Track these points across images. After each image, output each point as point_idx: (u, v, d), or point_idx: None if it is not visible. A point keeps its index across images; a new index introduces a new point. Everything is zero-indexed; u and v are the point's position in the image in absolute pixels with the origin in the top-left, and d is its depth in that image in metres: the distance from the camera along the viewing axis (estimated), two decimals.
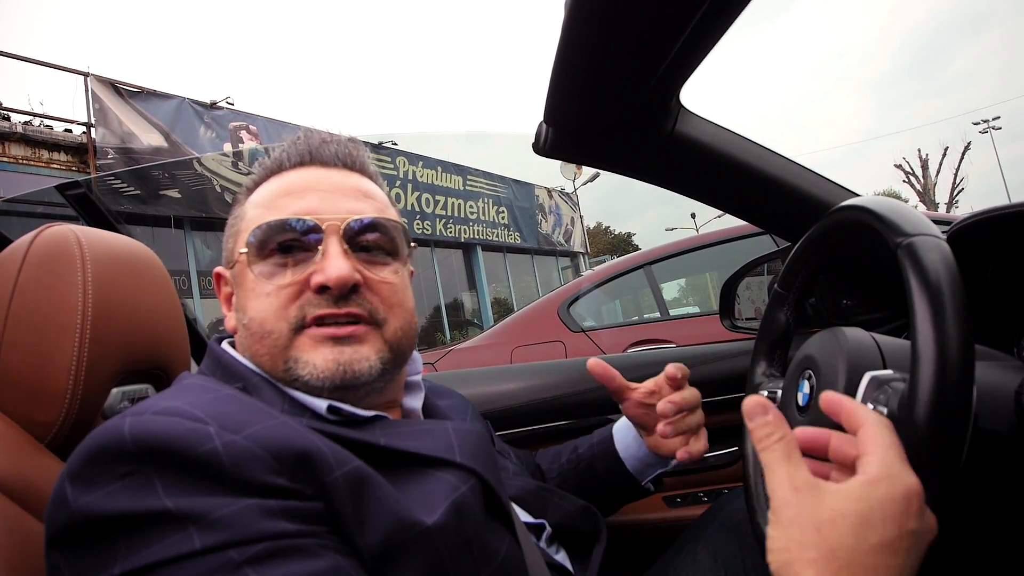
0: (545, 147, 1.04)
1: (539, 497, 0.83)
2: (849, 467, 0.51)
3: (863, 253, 1.18)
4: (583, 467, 0.99)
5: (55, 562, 0.48)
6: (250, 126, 9.69)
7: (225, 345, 0.71)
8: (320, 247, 0.65)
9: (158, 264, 0.88)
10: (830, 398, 0.54)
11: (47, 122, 8.13)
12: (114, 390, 0.77)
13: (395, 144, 11.56)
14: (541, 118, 1.00)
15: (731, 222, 2.80)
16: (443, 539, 0.56)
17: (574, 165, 13.26)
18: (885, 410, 0.60)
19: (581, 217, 18.12)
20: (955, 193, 27.98)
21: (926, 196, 28.16)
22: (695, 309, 5.75)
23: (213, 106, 9.30)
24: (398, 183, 11.53)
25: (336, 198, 0.69)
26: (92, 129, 8.02)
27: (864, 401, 0.61)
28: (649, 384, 0.90)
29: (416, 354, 0.77)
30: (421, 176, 12.21)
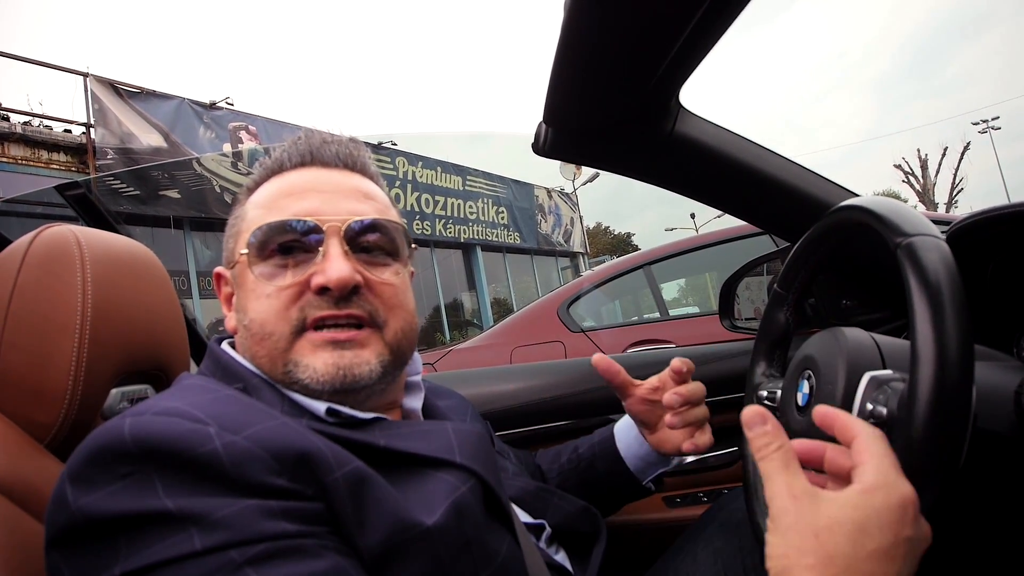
0: (544, 147, 1.04)
1: (539, 497, 0.83)
2: (844, 478, 0.51)
3: (863, 253, 1.18)
4: (584, 467, 0.99)
5: (55, 563, 0.48)
6: (249, 126, 9.69)
7: (225, 346, 0.71)
8: (321, 248, 0.65)
9: (157, 264, 0.88)
10: (823, 411, 0.55)
11: (46, 122, 8.13)
12: (113, 391, 0.77)
13: (395, 144, 11.56)
14: (540, 118, 1.00)
15: (731, 222, 2.80)
16: (443, 540, 0.56)
17: (573, 165, 13.26)
18: (885, 410, 0.60)
19: (581, 217, 18.12)
20: (954, 193, 28.00)
21: (925, 196, 28.17)
22: (695, 309, 5.75)
23: (212, 106, 9.30)
24: (397, 183, 11.53)
25: (337, 199, 0.69)
26: (91, 129, 8.02)
27: (864, 401, 0.61)
28: (653, 380, 0.90)
29: (416, 354, 0.77)
30: (421, 176, 12.21)
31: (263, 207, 0.69)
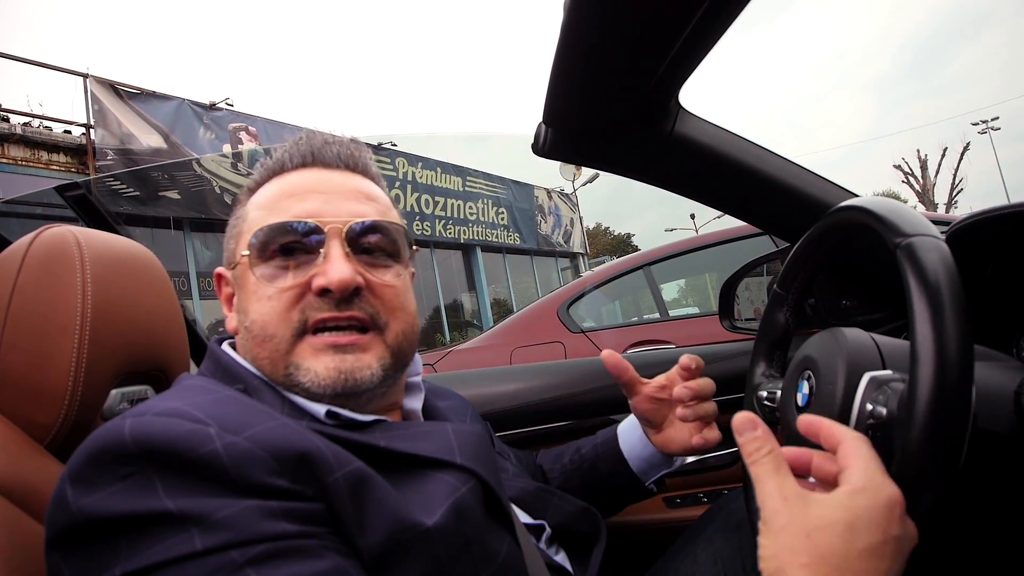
0: (544, 148, 1.04)
1: (539, 498, 0.83)
2: (831, 483, 0.52)
3: (862, 254, 1.18)
4: (586, 467, 0.99)
5: (55, 563, 0.48)
6: (249, 127, 9.69)
7: (226, 346, 0.71)
8: (322, 249, 0.65)
9: (157, 265, 0.88)
10: (807, 420, 0.57)
11: (46, 123, 8.13)
12: (113, 391, 0.77)
13: (395, 145, 11.56)
14: (540, 119, 1.01)
15: (730, 223, 2.81)
16: (443, 540, 0.56)
17: (573, 166, 13.26)
18: (884, 410, 0.60)
19: (580, 218, 18.12)
20: (954, 194, 28.00)
21: (925, 196, 28.18)
22: (695, 310, 5.75)
23: (212, 107, 9.30)
24: (397, 184, 11.53)
25: (338, 200, 0.68)
26: (91, 130, 8.02)
27: (863, 401, 0.61)
28: (660, 379, 0.90)
29: (416, 355, 0.77)
30: (421, 177, 12.21)
31: (264, 208, 0.69)
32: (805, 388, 0.72)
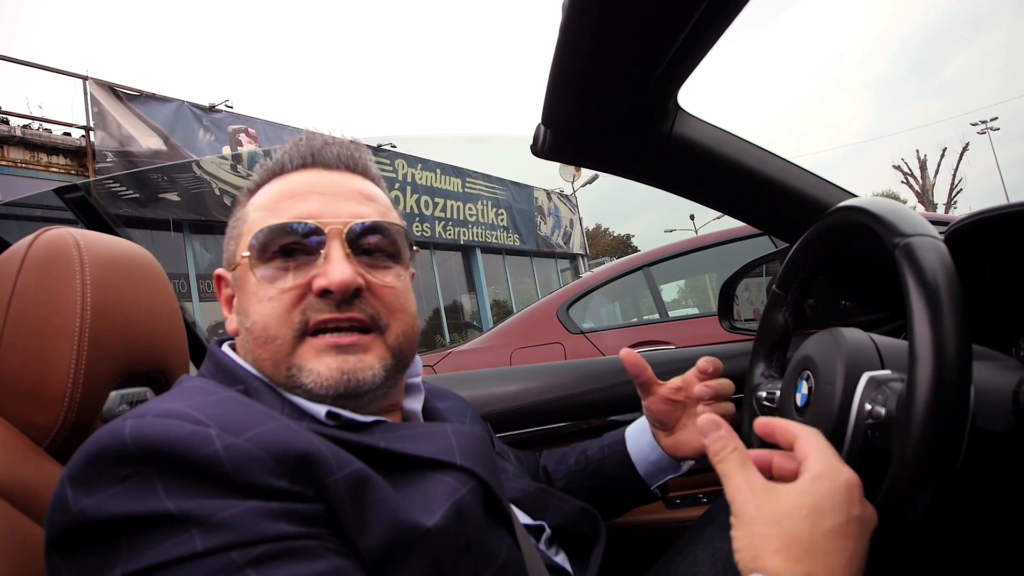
0: (543, 149, 1.04)
1: (538, 499, 0.83)
2: (792, 478, 0.55)
3: (861, 254, 1.18)
4: (591, 469, 0.99)
5: (55, 565, 0.48)
6: (249, 129, 9.70)
7: (226, 348, 0.71)
8: (322, 251, 0.65)
9: (157, 267, 0.88)
10: (762, 423, 0.61)
11: (46, 125, 8.13)
12: (113, 393, 0.77)
13: (394, 147, 11.56)
14: (539, 120, 1.01)
15: (730, 223, 2.81)
16: (443, 541, 0.56)
17: (572, 167, 13.26)
18: (883, 410, 0.60)
19: (580, 219, 18.13)
20: (953, 194, 28.01)
21: (924, 197, 28.18)
22: (694, 310, 5.75)
23: (212, 109, 9.31)
24: (397, 186, 11.53)
25: (338, 201, 0.68)
26: (91, 132, 8.02)
27: (862, 401, 0.62)
28: (676, 381, 0.90)
29: (416, 356, 0.77)
30: (420, 179, 12.22)
31: (264, 209, 0.69)
32: (804, 388, 0.72)
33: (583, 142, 1.03)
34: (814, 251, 0.83)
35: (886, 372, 0.64)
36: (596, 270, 4.13)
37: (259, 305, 0.65)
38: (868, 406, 0.61)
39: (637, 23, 0.73)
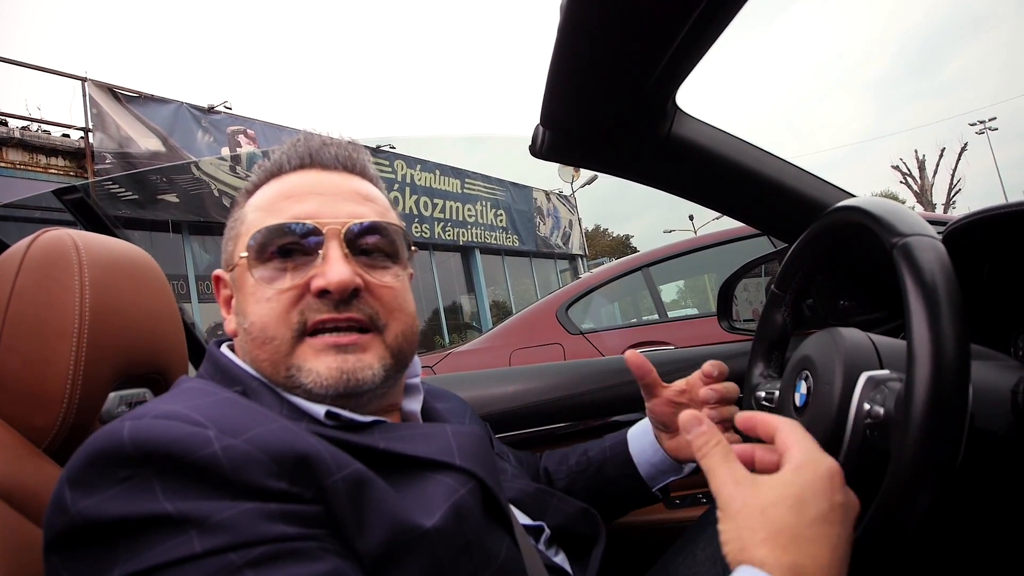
0: (542, 150, 1.04)
1: (538, 499, 0.83)
2: (775, 470, 0.55)
3: (860, 254, 1.18)
4: (593, 470, 0.99)
5: (54, 566, 0.48)
6: (248, 130, 9.70)
7: (224, 349, 0.71)
8: (320, 251, 0.65)
9: (155, 268, 0.88)
10: (742, 417, 0.62)
11: (45, 127, 8.13)
12: (112, 394, 0.77)
13: (393, 148, 11.57)
14: (538, 121, 1.01)
15: (729, 224, 2.81)
16: (442, 542, 0.56)
17: (571, 167, 13.27)
18: (882, 410, 0.60)
19: (579, 219, 18.14)
20: (952, 194, 28.02)
21: (923, 197, 28.20)
22: (693, 311, 5.75)
23: (211, 110, 9.31)
24: (396, 186, 11.53)
25: (336, 201, 0.68)
26: (90, 134, 8.02)
27: (861, 401, 0.62)
28: (681, 383, 0.90)
29: (415, 357, 0.77)
30: (419, 179, 12.22)
31: (262, 210, 0.69)
32: (803, 388, 0.72)
33: (581, 143, 1.03)
34: (812, 251, 0.83)
35: (885, 372, 0.64)
36: (595, 271, 4.13)
37: (257, 306, 0.65)
38: (867, 406, 0.61)
39: (635, 23, 0.73)
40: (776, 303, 0.89)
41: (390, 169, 11.52)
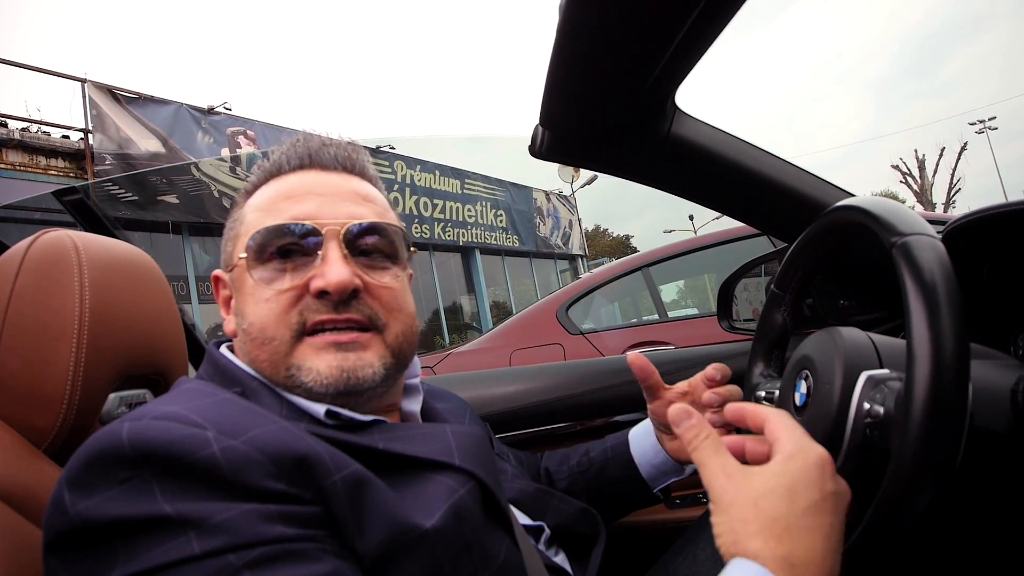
0: (541, 150, 1.04)
1: (538, 499, 0.83)
2: (765, 462, 0.55)
3: (860, 253, 1.18)
4: (594, 471, 0.99)
5: (53, 568, 0.48)
6: (248, 131, 9.70)
7: (224, 349, 0.71)
8: (320, 252, 0.65)
9: (155, 269, 0.88)
10: (731, 408, 0.62)
11: (44, 128, 8.13)
12: (112, 395, 0.77)
13: (393, 148, 11.58)
14: (537, 121, 1.01)
15: (729, 224, 2.81)
16: (442, 542, 0.56)
17: (571, 168, 13.27)
18: (882, 409, 0.60)
19: (579, 220, 18.14)
20: (952, 193, 28.02)
21: (923, 196, 28.20)
22: (694, 311, 5.75)
23: (211, 111, 9.31)
24: (396, 187, 11.53)
25: (336, 202, 0.68)
26: (89, 135, 8.02)
27: (861, 400, 0.62)
28: (683, 385, 0.90)
29: (415, 357, 0.77)
30: (419, 180, 12.22)
31: (261, 210, 0.69)
32: (803, 388, 0.72)
33: (581, 143, 1.03)
34: (812, 251, 0.83)
35: (884, 371, 0.64)
36: (595, 271, 4.13)
37: (256, 306, 0.65)
38: (867, 405, 0.61)
39: (634, 23, 0.73)
40: (776, 303, 0.89)
41: (390, 170, 11.52)
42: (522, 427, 1.30)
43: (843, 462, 0.62)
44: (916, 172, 28.68)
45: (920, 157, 28.79)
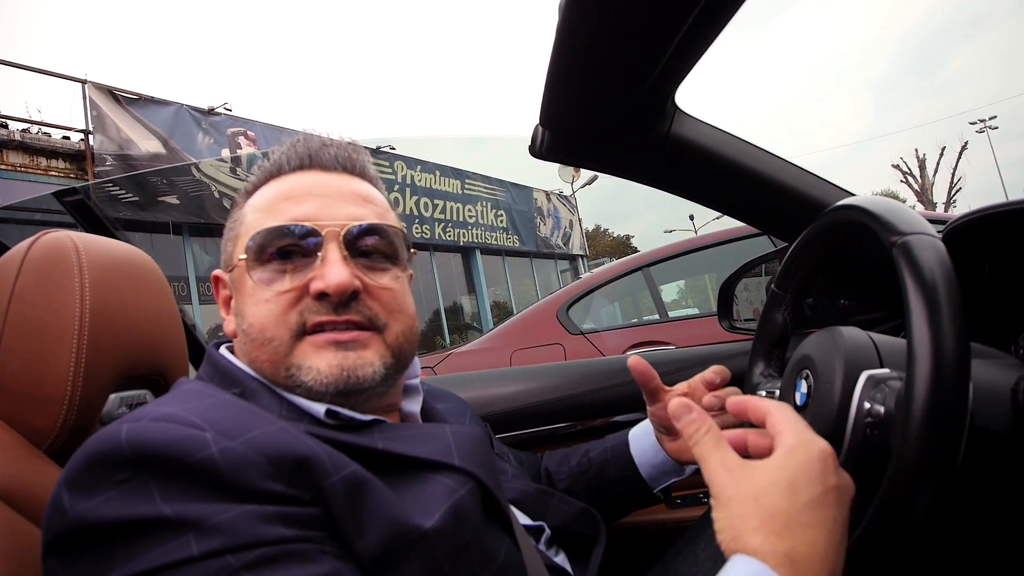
0: (541, 150, 1.04)
1: (538, 499, 0.83)
2: (767, 456, 0.55)
3: (860, 253, 1.18)
4: (594, 471, 0.99)
5: (52, 569, 0.48)
6: (248, 131, 9.70)
7: (223, 350, 0.71)
8: (319, 253, 0.65)
9: (156, 270, 0.88)
10: (733, 402, 0.62)
11: (45, 129, 8.14)
12: (112, 396, 0.77)
13: (393, 149, 11.58)
14: (537, 121, 1.01)
15: (730, 223, 2.81)
16: (441, 543, 0.56)
17: (572, 168, 13.26)
18: (882, 408, 0.60)
19: (580, 220, 18.13)
20: (953, 193, 28.00)
21: (924, 196, 28.18)
22: (694, 311, 5.75)
23: (211, 112, 9.31)
24: (396, 187, 11.53)
25: (336, 203, 0.68)
26: (90, 136, 8.03)
27: (861, 400, 0.61)
28: (682, 386, 0.90)
29: (415, 358, 0.77)
30: (419, 180, 12.22)
31: (261, 211, 0.69)
32: (803, 387, 0.72)
33: (581, 143, 1.03)
34: (812, 250, 0.83)
35: (885, 371, 0.64)
36: (596, 271, 4.13)
37: (256, 307, 0.65)
38: (867, 404, 0.61)
39: (633, 23, 0.73)
40: (776, 302, 0.89)
41: (390, 170, 11.52)
42: (522, 427, 1.30)
43: (843, 461, 0.62)
44: (916, 171, 28.66)
45: (920, 156, 28.79)
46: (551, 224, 16.48)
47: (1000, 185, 28.29)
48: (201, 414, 0.53)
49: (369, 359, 0.64)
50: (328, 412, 0.63)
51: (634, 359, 0.89)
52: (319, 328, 0.64)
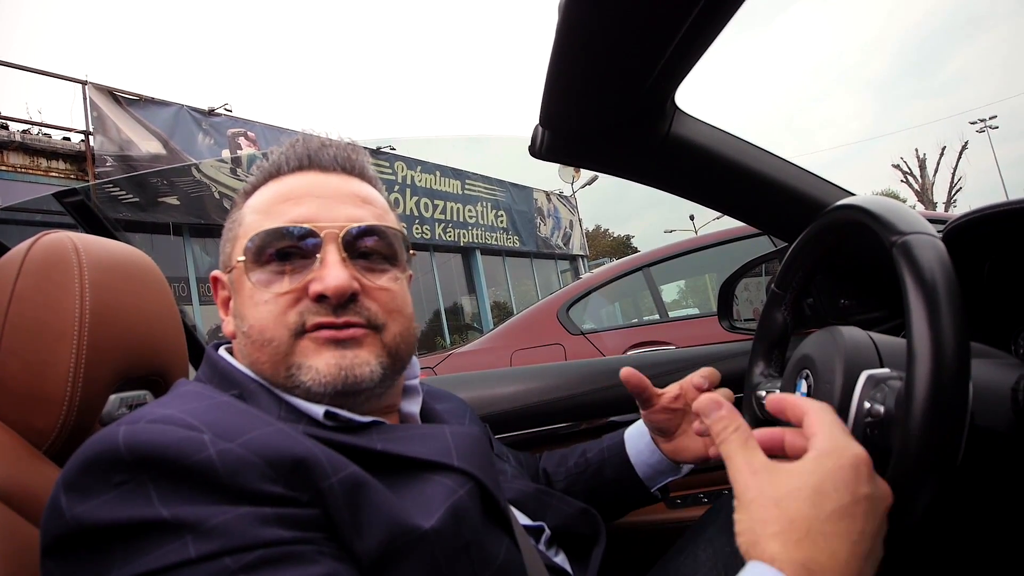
0: (541, 150, 1.04)
1: (538, 500, 0.83)
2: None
3: (860, 253, 1.18)
4: (591, 472, 0.99)
5: (50, 571, 0.48)
6: (248, 132, 9.71)
7: (223, 351, 0.71)
8: (318, 254, 0.65)
9: (156, 270, 0.88)
10: (773, 400, 0.59)
11: (45, 130, 8.14)
12: (112, 396, 0.77)
13: (393, 149, 11.58)
14: (537, 121, 1.01)
15: (730, 223, 2.81)
16: (441, 543, 0.56)
17: (572, 168, 13.26)
18: (882, 408, 0.60)
19: (580, 220, 18.14)
20: (953, 192, 28.01)
21: (924, 196, 28.18)
22: (694, 311, 5.75)
23: (211, 113, 9.32)
24: (396, 188, 11.54)
25: (335, 204, 0.68)
26: (90, 137, 8.03)
27: (861, 399, 0.61)
28: (674, 388, 0.91)
29: (414, 359, 0.77)
30: (419, 181, 12.22)
31: (260, 212, 0.69)
32: (803, 387, 0.72)
33: (581, 143, 1.03)
34: (812, 250, 0.83)
35: (885, 370, 0.63)
36: (596, 271, 4.13)
37: (255, 309, 0.65)
38: (867, 404, 0.61)
39: (633, 23, 0.73)
40: (776, 302, 0.89)
41: (390, 170, 11.52)
42: (522, 427, 1.30)
43: None
44: (917, 171, 28.66)
45: (921, 156, 28.80)
46: (551, 224, 16.48)
47: (1000, 185, 28.31)
48: (199, 416, 0.53)
49: (366, 359, 0.64)
50: (327, 414, 0.63)
51: (626, 370, 0.89)
52: (318, 327, 0.64)
